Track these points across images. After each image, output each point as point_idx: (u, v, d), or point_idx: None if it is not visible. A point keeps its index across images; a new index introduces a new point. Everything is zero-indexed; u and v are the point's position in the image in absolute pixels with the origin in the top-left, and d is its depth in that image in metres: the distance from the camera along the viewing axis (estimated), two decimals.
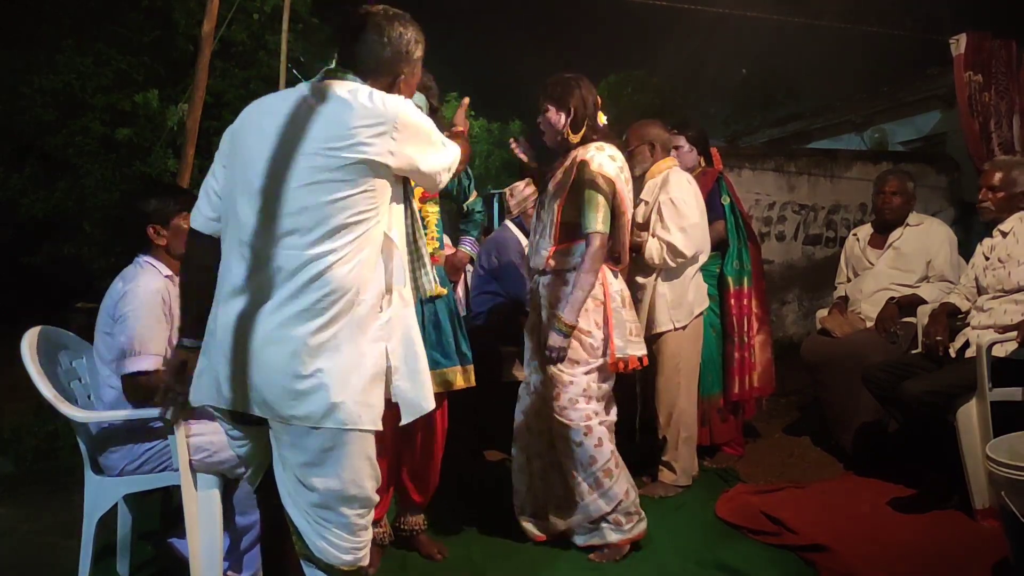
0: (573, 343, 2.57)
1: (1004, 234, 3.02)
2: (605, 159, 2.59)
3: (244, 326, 1.61)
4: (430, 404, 1.79)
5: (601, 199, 2.53)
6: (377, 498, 1.75)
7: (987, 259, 3.06)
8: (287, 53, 4.80)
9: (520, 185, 3.87)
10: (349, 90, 1.64)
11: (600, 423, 2.63)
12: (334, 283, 1.59)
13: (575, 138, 2.63)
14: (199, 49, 3.77)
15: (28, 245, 7.31)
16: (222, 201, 1.73)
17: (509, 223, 3.87)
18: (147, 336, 2.21)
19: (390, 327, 1.70)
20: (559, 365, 2.58)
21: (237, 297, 1.63)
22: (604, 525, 2.64)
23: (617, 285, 2.66)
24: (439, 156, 1.77)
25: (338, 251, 1.59)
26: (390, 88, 1.74)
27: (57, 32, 6.98)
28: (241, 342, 1.61)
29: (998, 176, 3.05)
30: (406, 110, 1.66)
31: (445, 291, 2.56)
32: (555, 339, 2.53)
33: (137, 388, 2.22)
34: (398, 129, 1.62)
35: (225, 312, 1.64)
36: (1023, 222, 2.97)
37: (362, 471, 1.67)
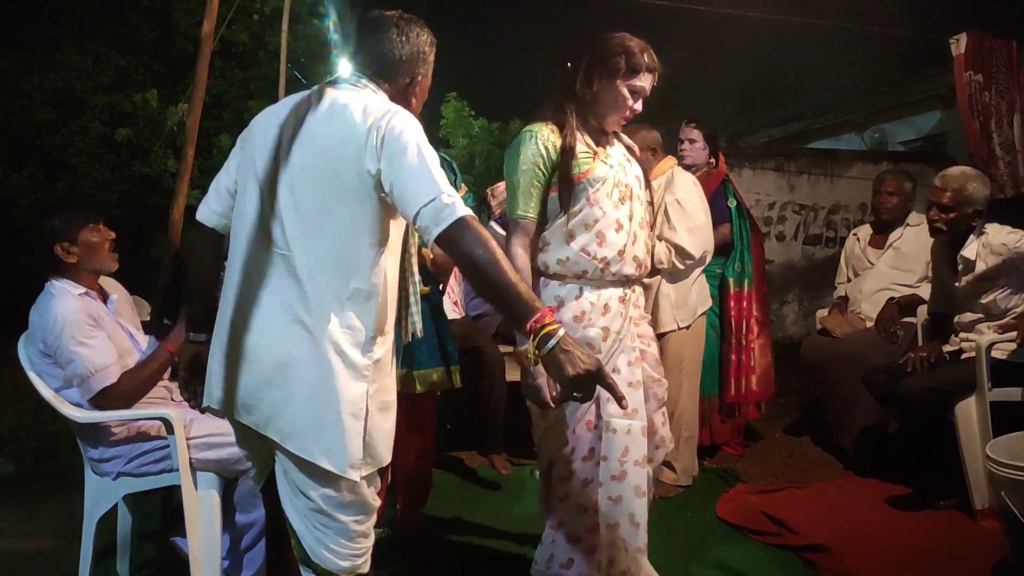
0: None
1: (971, 261, 2.85)
2: None
3: (238, 327, 1.59)
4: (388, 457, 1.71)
5: None
6: (378, 503, 1.74)
7: (956, 275, 2.96)
8: (287, 53, 4.80)
9: (501, 186, 3.85)
10: (357, 99, 1.60)
11: None
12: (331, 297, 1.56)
13: None
14: (199, 49, 3.76)
15: (28, 245, 7.29)
16: (232, 199, 1.73)
17: (494, 224, 3.85)
18: (92, 355, 2.17)
19: (378, 368, 1.63)
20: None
21: (236, 297, 1.61)
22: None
23: None
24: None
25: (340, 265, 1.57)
26: (408, 88, 1.74)
27: (57, 32, 6.98)
28: (234, 344, 1.59)
29: (948, 195, 2.85)
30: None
31: (428, 289, 2.52)
32: None
33: (112, 399, 2.19)
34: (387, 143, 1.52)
35: (224, 311, 1.63)
36: (987, 247, 2.81)
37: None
